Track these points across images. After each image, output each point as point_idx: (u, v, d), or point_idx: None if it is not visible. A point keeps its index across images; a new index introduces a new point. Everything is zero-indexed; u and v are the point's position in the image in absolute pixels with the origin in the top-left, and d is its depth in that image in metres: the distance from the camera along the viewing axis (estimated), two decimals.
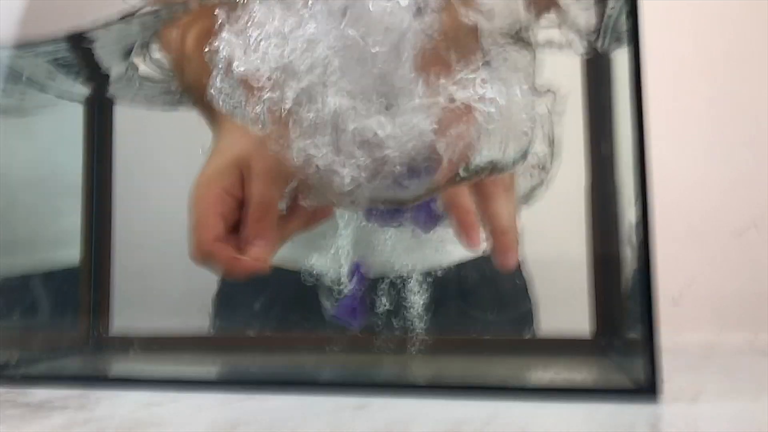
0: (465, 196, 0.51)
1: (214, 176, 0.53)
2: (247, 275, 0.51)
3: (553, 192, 0.55)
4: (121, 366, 0.64)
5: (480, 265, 0.71)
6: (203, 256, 0.51)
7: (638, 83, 0.42)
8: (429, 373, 0.58)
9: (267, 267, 0.52)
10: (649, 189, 0.42)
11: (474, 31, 0.44)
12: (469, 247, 0.50)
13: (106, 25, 0.54)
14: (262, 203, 0.52)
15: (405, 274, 0.67)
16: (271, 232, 0.52)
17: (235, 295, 0.75)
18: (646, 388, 0.42)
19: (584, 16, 0.54)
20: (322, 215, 0.58)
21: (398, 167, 0.44)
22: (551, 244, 0.68)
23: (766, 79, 1.08)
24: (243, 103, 0.48)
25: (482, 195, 0.51)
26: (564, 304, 0.66)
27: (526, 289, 0.76)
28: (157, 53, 0.62)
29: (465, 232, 0.51)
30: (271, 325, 0.73)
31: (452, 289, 0.71)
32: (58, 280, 0.73)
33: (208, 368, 0.61)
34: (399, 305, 0.67)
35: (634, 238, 0.44)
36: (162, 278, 0.75)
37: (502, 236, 0.51)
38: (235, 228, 0.53)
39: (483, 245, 0.51)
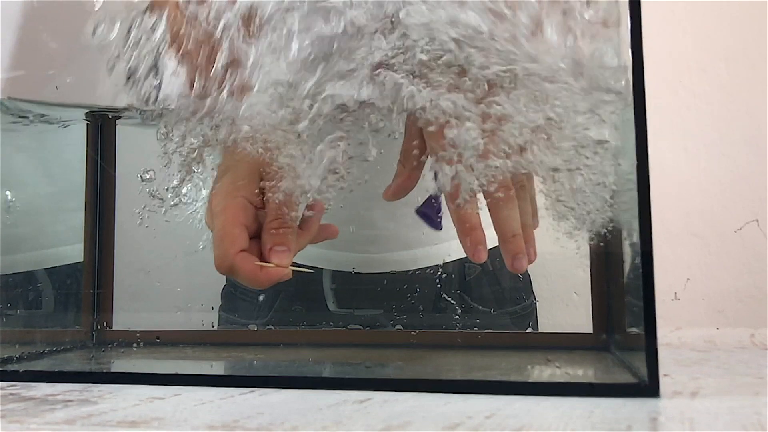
0: (473, 209, 0.52)
1: (235, 186, 0.53)
2: (272, 283, 0.52)
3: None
4: (123, 361, 0.64)
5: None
6: (227, 268, 0.52)
7: (638, 81, 0.42)
8: (431, 368, 0.59)
9: (290, 273, 0.52)
10: (648, 185, 0.42)
11: None
12: (474, 261, 0.51)
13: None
14: (282, 211, 0.53)
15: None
16: (292, 239, 0.53)
17: (243, 290, 0.76)
18: (646, 384, 0.42)
19: None
20: (329, 234, 0.59)
21: None
22: (553, 240, 0.68)
23: (766, 76, 1.08)
24: None
25: (492, 200, 0.52)
26: (565, 300, 0.67)
27: (530, 285, 0.76)
28: None
29: (470, 247, 0.51)
30: (277, 320, 0.73)
31: (454, 283, 0.72)
32: (61, 276, 0.73)
33: (210, 363, 0.61)
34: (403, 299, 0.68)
35: (634, 235, 0.44)
36: (164, 274, 0.75)
37: (511, 240, 0.52)
38: (255, 234, 0.53)
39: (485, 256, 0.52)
